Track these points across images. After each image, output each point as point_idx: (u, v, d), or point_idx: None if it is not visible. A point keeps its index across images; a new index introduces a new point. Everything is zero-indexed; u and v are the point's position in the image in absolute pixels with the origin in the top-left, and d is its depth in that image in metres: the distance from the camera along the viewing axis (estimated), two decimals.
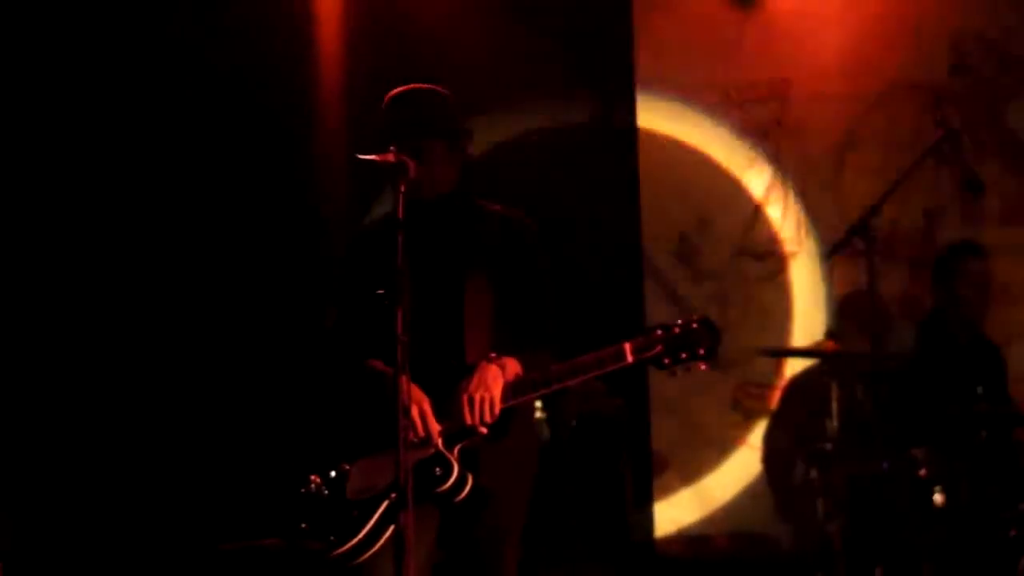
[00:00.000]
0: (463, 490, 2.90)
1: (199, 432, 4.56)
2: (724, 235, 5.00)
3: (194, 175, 4.71)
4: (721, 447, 4.91)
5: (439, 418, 2.94)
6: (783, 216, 4.99)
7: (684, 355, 2.88)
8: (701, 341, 2.88)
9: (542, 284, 3.07)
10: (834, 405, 4.33)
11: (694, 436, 4.92)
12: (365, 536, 2.90)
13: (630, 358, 2.88)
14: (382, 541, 2.88)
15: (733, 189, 5.01)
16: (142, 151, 4.67)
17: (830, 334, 4.56)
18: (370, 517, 2.90)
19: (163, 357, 4.61)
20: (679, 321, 2.91)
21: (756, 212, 4.98)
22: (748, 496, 4.87)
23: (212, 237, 4.71)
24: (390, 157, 2.80)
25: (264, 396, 4.57)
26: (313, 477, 2.97)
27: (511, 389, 2.93)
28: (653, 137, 5.01)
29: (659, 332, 2.89)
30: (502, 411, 2.92)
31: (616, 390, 4.44)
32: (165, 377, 4.58)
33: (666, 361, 2.88)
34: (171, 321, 4.64)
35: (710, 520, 4.89)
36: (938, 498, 3.87)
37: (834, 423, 4.33)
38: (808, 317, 4.91)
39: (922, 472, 3.95)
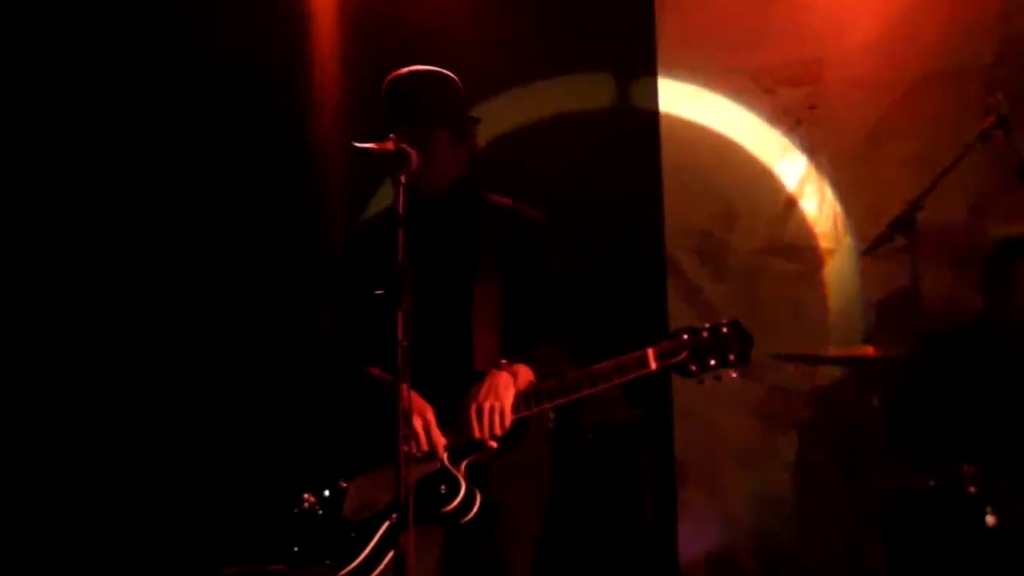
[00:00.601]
0: (471, 510, 2.87)
1: (191, 443, 4.59)
2: (753, 230, 4.92)
3: (185, 171, 4.72)
4: (749, 461, 4.86)
5: (445, 430, 2.92)
6: (818, 210, 4.92)
7: (713, 361, 2.88)
8: (732, 346, 2.88)
9: (551, 283, 3.08)
10: (872, 416, 4.26)
11: (720, 449, 4.87)
12: (364, 560, 2.87)
13: (654, 365, 2.88)
14: (382, 566, 2.86)
15: (763, 180, 4.92)
16: (134, 148, 4.70)
17: (868, 338, 4.49)
18: (369, 539, 2.87)
19: (154, 363, 4.63)
20: (707, 324, 2.91)
21: (788, 205, 4.90)
22: (778, 514, 4.81)
23: (203, 236, 4.72)
24: (389, 146, 2.78)
25: (257, 405, 4.57)
26: (307, 496, 2.95)
27: (523, 399, 2.92)
28: (676, 124, 4.95)
29: (686, 336, 2.90)
30: (514, 423, 2.91)
31: (635, 399, 4.42)
32: (156, 382, 4.61)
33: (693, 368, 2.89)
34: (163, 326, 4.66)
35: (736, 540, 4.84)
36: (990, 519, 3.80)
37: (872, 435, 4.26)
38: (844, 320, 4.83)
39: (972, 490, 3.88)
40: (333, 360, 3.14)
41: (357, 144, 2.81)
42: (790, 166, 4.93)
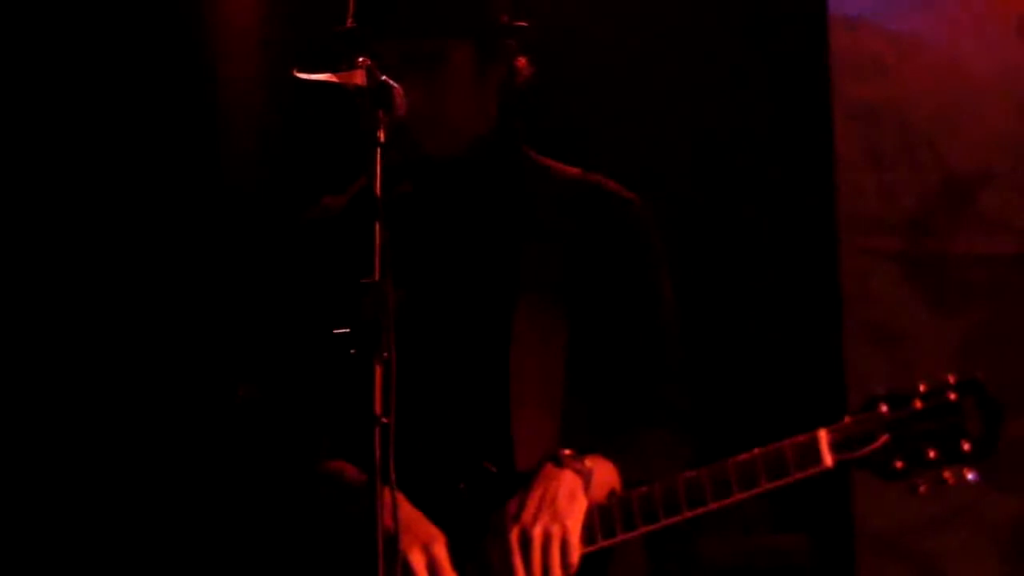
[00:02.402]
0: None
1: None
2: (997, 219, 4.97)
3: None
4: None
5: (464, 573, 2.96)
6: None
7: (933, 454, 2.91)
8: (965, 425, 2.91)
9: (660, 314, 3.14)
10: None
11: None
12: None
13: (829, 459, 2.93)
14: None
15: (1015, 136, 4.96)
16: None
17: None
18: None
19: None
20: (921, 387, 2.94)
21: None
22: None
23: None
24: (358, 78, 2.81)
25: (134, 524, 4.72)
26: None
27: (602, 519, 2.97)
28: (857, 36, 5.00)
29: (884, 409, 2.94)
30: (584, 561, 2.95)
31: (795, 517, 4.50)
32: None
33: (898, 465, 2.92)
34: None
35: None
36: None
37: None
38: None
39: None
40: (260, 449, 3.21)
41: (301, 74, 2.84)
42: None
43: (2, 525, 4.83)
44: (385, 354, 2.65)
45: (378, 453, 2.63)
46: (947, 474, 2.91)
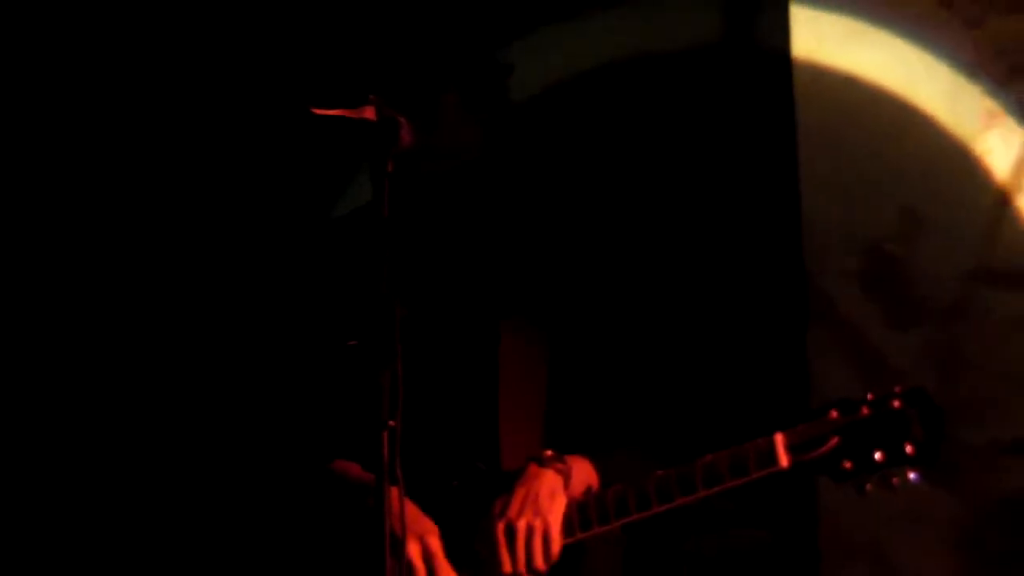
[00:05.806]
0: None
1: None
2: (948, 246, 4.91)
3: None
4: None
5: (457, 564, 3.04)
6: None
7: (880, 455, 2.96)
8: (909, 430, 2.95)
9: (638, 329, 3.20)
10: None
11: None
12: None
13: (784, 460, 2.99)
14: None
15: (961, 166, 4.91)
16: None
17: None
18: None
19: None
20: (869, 396, 3.01)
21: (1002, 206, 4.88)
22: None
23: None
24: (368, 113, 2.91)
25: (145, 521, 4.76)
26: None
27: (580, 513, 3.05)
28: (820, 78, 4.97)
29: (835, 414, 3.00)
30: (565, 552, 3.03)
31: (760, 516, 4.52)
32: None
33: (847, 466, 2.98)
34: None
35: None
36: None
37: None
38: None
39: None
40: (271, 451, 3.25)
41: (318, 110, 2.92)
42: (1002, 142, 4.89)
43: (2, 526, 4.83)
44: (393, 364, 2.71)
45: (386, 454, 2.68)
46: (893, 475, 2.95)
